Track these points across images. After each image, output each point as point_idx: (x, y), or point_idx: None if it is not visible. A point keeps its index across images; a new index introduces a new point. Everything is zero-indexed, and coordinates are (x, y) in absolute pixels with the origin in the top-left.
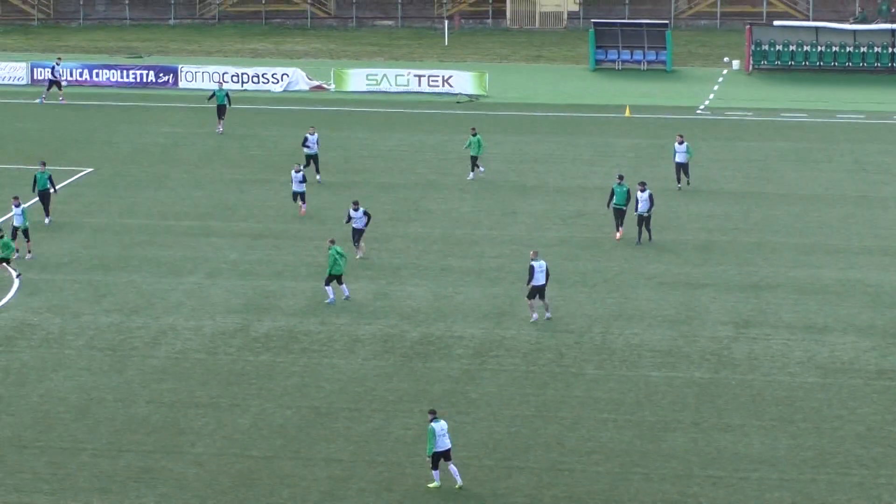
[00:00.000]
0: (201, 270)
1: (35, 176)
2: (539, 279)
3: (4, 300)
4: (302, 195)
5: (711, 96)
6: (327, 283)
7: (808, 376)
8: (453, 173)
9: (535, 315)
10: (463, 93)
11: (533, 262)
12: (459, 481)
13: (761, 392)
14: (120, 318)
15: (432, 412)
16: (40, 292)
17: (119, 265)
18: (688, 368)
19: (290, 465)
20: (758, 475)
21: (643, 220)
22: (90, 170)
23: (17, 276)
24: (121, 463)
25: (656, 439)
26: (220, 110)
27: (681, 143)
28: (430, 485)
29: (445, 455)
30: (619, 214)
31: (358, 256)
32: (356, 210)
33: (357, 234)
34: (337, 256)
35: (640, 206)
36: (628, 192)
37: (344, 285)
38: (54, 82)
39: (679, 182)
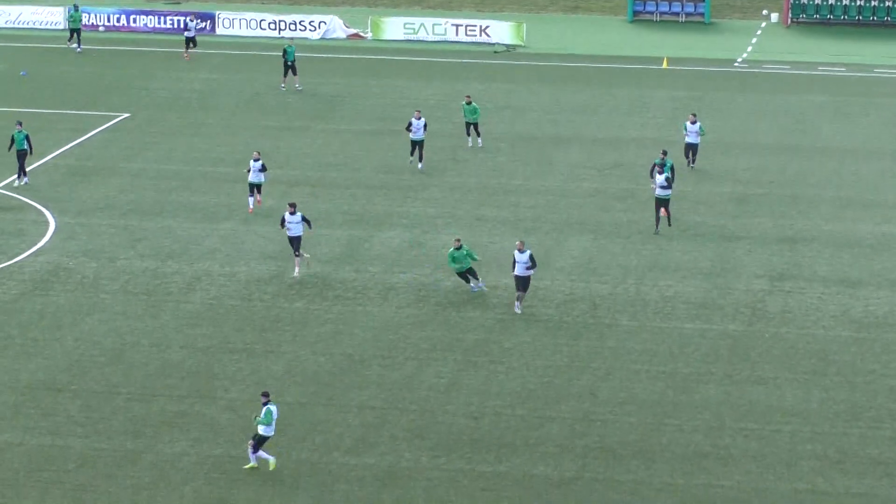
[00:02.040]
0: (237, 217)
1: (12, 136)
2: (518, 270)
3: (40, 244)
4: (258, 187)
5: (749, 49)
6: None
7: (841, 330)
8: (489, 122)
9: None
10: (500, 42)
11: (516, 252)
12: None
13: (795, 345)
14: (155, 263)
15: (265, 394)
16: (76, 236)
17: (155, 210)
18: (721, 321)
19: (323, 411)
20: (790, 428)
21: (661, 204)
22: (126, 115)
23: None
24: (154, 407)
25: (689, 391)
26: (291, 67)
27: (693, 122)
28: (247, 466)
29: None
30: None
31: (295, 274)
32: (293, 213)
33: (294, 242)
34: (457, 255)
35: (657, 190)
36: (672, 167)
37: (472, 281)
38: (190, 39)
39: (688, 160)
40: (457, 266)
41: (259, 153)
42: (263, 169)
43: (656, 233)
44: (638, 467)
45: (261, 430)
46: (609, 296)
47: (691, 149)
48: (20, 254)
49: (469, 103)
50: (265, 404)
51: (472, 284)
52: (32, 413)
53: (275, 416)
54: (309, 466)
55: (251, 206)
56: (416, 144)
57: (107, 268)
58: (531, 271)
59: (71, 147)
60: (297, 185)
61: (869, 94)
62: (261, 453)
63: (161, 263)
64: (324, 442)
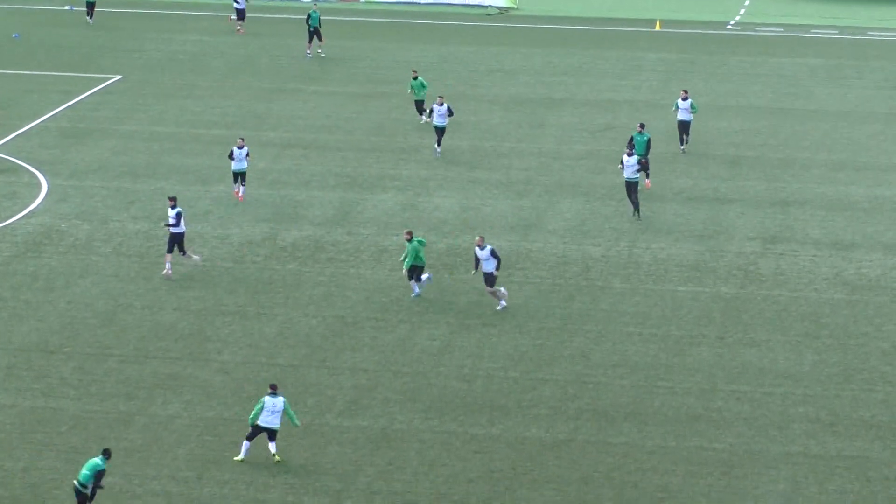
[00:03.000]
0: (229, 179)
1: None
2: (485, 267)
3: (33, 206)
4: (243, 175)
5: (742, 11)
6: (410, 277)
7: (834, 293)
8: (482, 85)
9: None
10: (493, 5)
11: (477, 249)
12: (275, 453)
13: (787, 308)
14: (148, 225)
15: (273, 386)
16: (69, 198)
17: (147, 173)
18: (714, 283)
19: (315, 373)
20: (782, 390)
21: (631, 187)
22: (119, 77)
23: None
24: (147, 369)
25: (681, 353)
26: (315, 32)
27: (685, 98)
28: (236, 458)
29: (271, 434)
30: (642, 166)
31: (165, 271)
32: (173, 208)
33: (174, 239)
34: (418, 247)
35: (626, 170)
36: (648, 141)
37: (424, 275)
38: (240, 11)
39: (682, 143)
40: (407, 260)
41: (244, 140)
42: (248, 156)
43: (633, 216)
44: (630, 430)
45: (267, 423)
46: (602, 258)
47: (683, 127)
48: (12, 216)
49: (416, 78)
50: (268, 395)
51: (414, 286)
52: (25, 375)
53: (267, 407)
54: (301, 429)
55: (240, 193)
56: (439, 131)
57: (99, 230)
58: (494, 265)
59: (63, 109)
60: (289, 148)
61: (862, 57)
62: (245, 443)
63: (154, 225)
64: (316, 404)
